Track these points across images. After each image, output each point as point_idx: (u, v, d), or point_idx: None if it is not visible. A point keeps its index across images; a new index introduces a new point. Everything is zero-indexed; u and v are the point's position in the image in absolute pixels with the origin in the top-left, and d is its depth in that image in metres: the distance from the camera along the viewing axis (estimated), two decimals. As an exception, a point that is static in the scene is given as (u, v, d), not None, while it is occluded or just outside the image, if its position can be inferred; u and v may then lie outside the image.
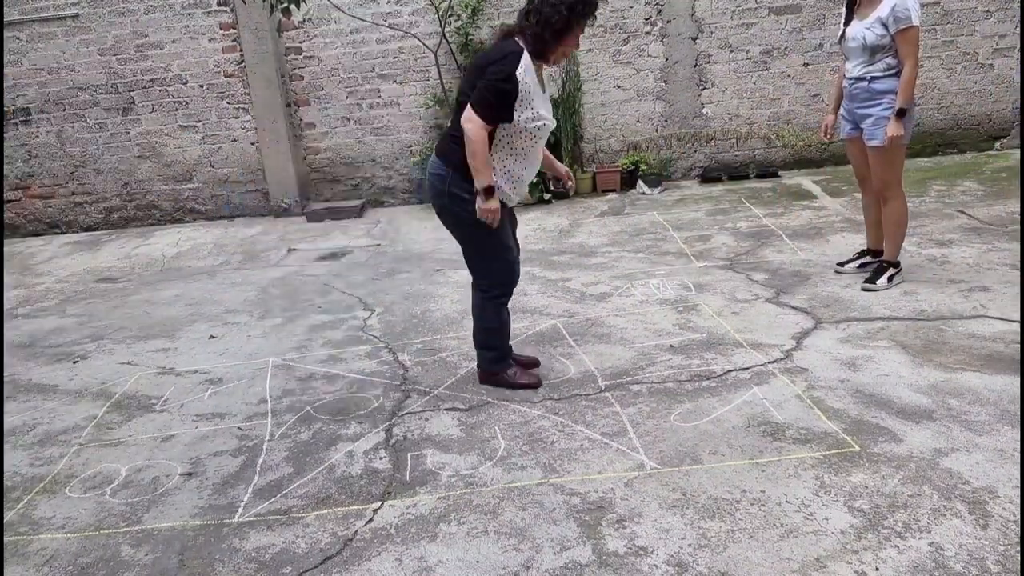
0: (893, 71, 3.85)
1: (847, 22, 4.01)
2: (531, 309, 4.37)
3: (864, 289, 4.10)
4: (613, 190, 7.22)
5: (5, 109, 7.49)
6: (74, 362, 4.27)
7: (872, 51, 3.85)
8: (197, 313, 4.95)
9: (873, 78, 3.90)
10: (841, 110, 4.20)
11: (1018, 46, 7.01)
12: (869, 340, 3.53)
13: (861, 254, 4.46)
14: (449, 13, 6.88)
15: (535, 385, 3.34)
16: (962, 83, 7.12)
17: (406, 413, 3.26)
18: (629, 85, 7.28)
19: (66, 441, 3.33)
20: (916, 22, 3.73)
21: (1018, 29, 6.96)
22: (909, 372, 3.18)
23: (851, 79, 4.02)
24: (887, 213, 4.11)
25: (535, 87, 2.96)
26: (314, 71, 7.37)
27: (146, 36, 7.29)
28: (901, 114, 3.83)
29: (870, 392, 3.05)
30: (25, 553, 2.54)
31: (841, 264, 4.47)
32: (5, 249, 7.33)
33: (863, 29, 3.86)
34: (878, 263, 4.21)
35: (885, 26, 3.77)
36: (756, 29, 7.07)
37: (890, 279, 4.12)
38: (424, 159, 6.94)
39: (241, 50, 7.24)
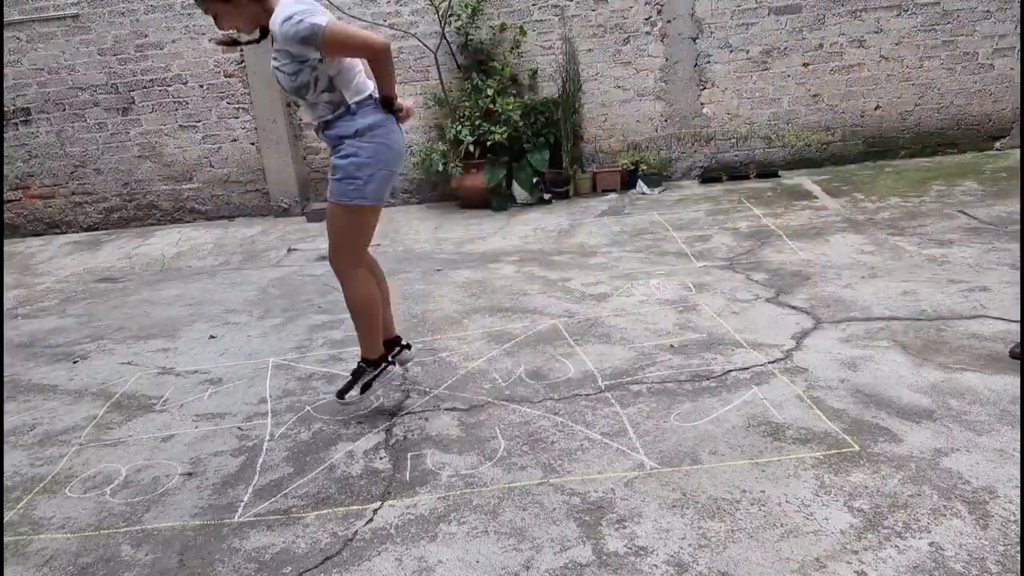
0: (340, 108, 2.91)
1: None
2: (531, 309, 4.37)
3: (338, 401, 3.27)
4: (613, 190, 7.22)
5: (5, 109, 7.49)
6: (74, 362, 4.27)
7: (297, 92, 2.90)
8: (197, 313, 4.95)
9: (327, 122, 2.94)
10: None
11: (1018, 46, 7.01)
12: (869, 340, 3.53)
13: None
14: (449, 13, 6.88)
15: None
16: (962, 83, 7.12)
17: (406, 413, 3.26)
18: (629, 85, 7.28)
19: (66, 441, 3.33)
20: (323, 22, 2.72)
21: (1018, 29, 6.97)
22: (909, 372, 3.18)
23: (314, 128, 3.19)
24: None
25: None
26: (314, 71, 7.36)
27: (146, 36, 7.29)
28: (387, 100, 2.99)
29: (870, 392, 3.05)
30: (25, 553, 2.54)
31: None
32: (5, 249, 7.33)
33: (273, 69, 2.95)
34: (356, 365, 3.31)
35: (296, 61, 2.81)
36: (756, 29, 7.07)
37: (364, 388, 3.21)
38: (424, 159, 6.94)
39: (241, 50, 7.24)
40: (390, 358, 3.26)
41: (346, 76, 2.82)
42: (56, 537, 2.62)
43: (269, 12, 2.74)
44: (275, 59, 2.81)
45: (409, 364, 3.75)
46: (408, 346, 3.42)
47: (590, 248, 5.55)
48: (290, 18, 2.66)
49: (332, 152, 2.97)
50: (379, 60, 2.77)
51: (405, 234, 6.49)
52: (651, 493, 2.52)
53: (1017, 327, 3.48)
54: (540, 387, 3.38)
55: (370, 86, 2.92)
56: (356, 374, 3.22)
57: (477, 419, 3.14)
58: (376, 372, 3.20)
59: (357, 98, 2.86)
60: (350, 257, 3.02)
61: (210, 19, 2.98)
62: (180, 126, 7.52)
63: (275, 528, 2.54)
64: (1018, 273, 4.12)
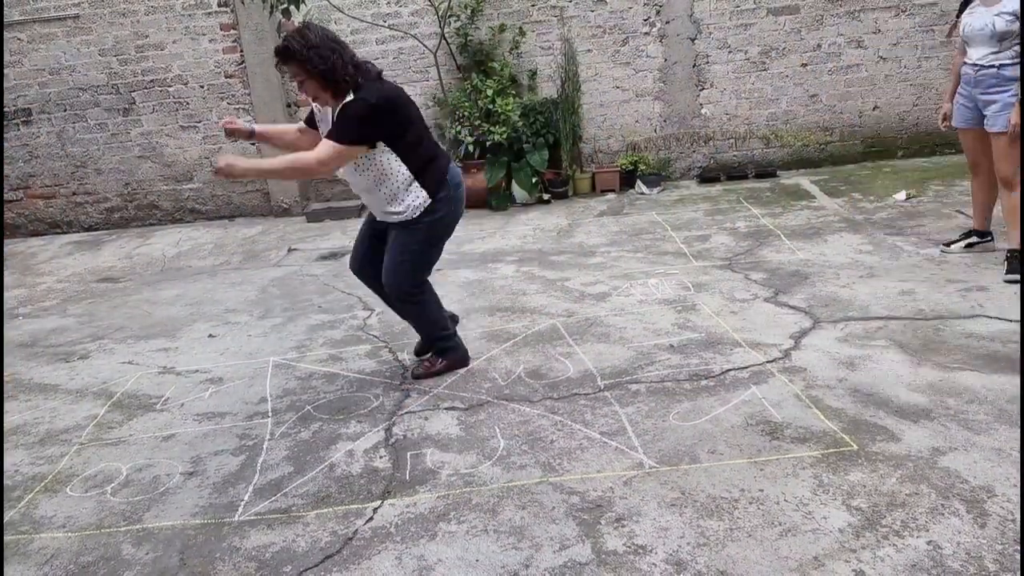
0: (1018, 59, 3.87)
1: (964, 8, 4.07)
2: (530, 309, 4.38)
3: (1008, 281, 4.01)
4: (612, 190, 7.23)
5: (6, 109, 7.50)
6: (66, 361, 4.28)
7: (1000, 38, 3.88)
8: (198, 313, 4.96)
9: (1002, 65, 3.92)
10: (959, 98, 4.24)
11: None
12: (867, 339, 3.54)
13: (967, 234, 4.53)
14: (448, 14, 6.89)
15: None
16: (961, 83, 7.13)
17: (406, 412, 3.27)
18: (628, 85, 7.29)
19: (67, 440, 3.34)
20: None
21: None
22: (907, 371, 3.19)
23: (976, 66, 4.04)
24: (1012, 201, 4.08)
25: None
26: (314, 71, 7.36)
27: (147, 37, 7.29)
28: None
29: (868, 391, 3.06)
30: (26, 552, 2.55)
31: (947, 244, 4.56)
32: (6, 249, 7.33)
33: (991, 16, 3.89)
34: (1008, 253, 4.14)
35: (1015, 15, 3.80)
36: (754, 29, 7.08)
37: None
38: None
39: (241, 51, 7.25)
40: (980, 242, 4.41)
41: None
42: (57, 536, 2.63)
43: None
44: (997, 9, 3.89)
45: (409, 363, 3.76)
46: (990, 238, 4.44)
47: (589, 248, 5.56)
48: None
49: (988, 91, 3.99)
50: None
51: (405, 234, 6.49)
52: (650, 492, 2.53)
53: (1016, 327, 3.49)
54: (539, 386, 3.39)
55: None
56: (1014, 259, 4.03)
57: (477, 418, 3.15)
58: (981, 240, 4.45)
59: None
60: (1019, 169, 4.01)
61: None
62: (181, 126, 7.52)
63: (275, 527, 2.55)
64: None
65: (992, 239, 4.48)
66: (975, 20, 4.00)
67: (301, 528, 2.52)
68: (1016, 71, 3.89)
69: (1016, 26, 3.82)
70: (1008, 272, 4.07)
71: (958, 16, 4.16)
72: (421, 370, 3.60)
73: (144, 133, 7.54)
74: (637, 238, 5.68)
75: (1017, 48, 3.88)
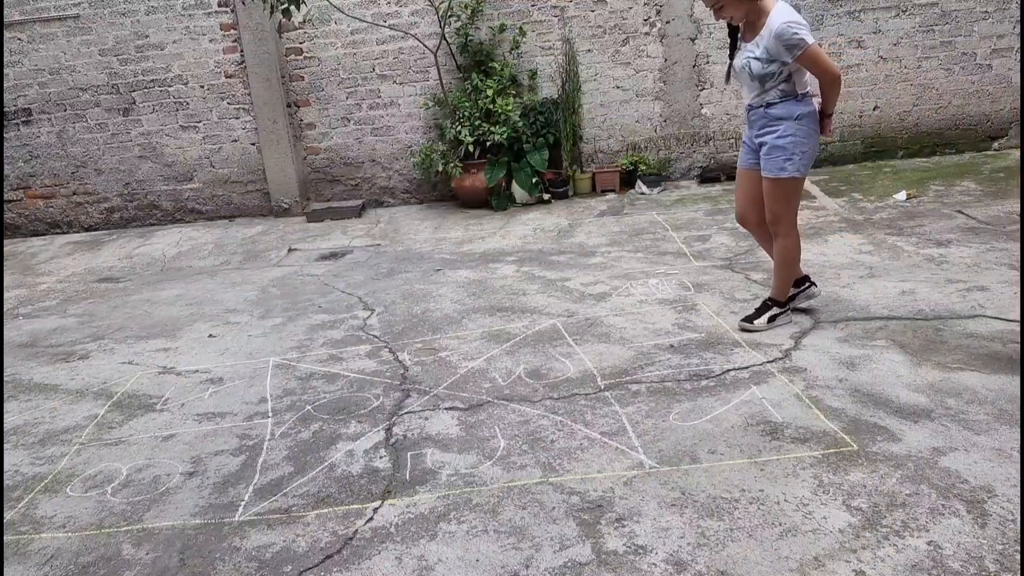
0: (790, 96, 3.49)
1: (733, 50, 3.67)
2: (530, 309, 4.39)
3: (742, 328, 3.78)
4: (612, 190, 7.23)
5: (6, 109, 7.50)
6: (67, 361, 4.28)
7: (761, 80, 3.50)
8: (198, 313, 4.96)
9: (769, 104, 3.55)
10: (744, 137, 3.83)
11: (1017, 46, 7.02)
12: (867, 340, 3.54)
13: (764, 306, 3.86)
14: (449, 14, 6.89)
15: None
16: (960, 83, 7.13)
17: (406, 412, 3.27)
18: (628, 85, 7.29)
19: (67, 440, 3.34)
20: (810, 41, 3.32)
21: (1016, 29, 6.98)
22: (907, 371, 3.19)
23: (748, 106, 3.68)
24: (777, 249, 3.74)
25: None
26: (314, 72, 7.38)
27: (147, 37, 7.30)
28: (825, 115, 3.55)
29: (868, 391, 3.06)
30: (26, 552, 2.55)
31: (746, 320, 3.86)
32: (6, 249, 7.33)
33: (747, 58, 3.51)
34: (762, 301, 3.88)
35: (772, 58, 3.41)
36: (755, 29, 7.08)
37: (771, 319, 3.78)
38: (424, 159, 6.95)
39: (241, 51, 7.25)
40: (799, 292, 3.94)
41: (801, 73, 3.49)
42: (57, 536, 2.63)
43: (761, 11, 3.44)
44: (751, 51, 3.50)
45: (409, 363, 3.76)
46: (813, 284, 3.99)
47: (589, 248, 5.56)
48: (790, 24, 3.33)
49: (760, 132, 3.63)
50: (833, 85, 3.48)
51: (405, 234, 6.50)
52: (650, 492, 2.53)
53: (1016, 327, 3.49)
54: (540, 386, 3.39)
55: (810, 84, 3.55)
56: (763, 308, 3.85)
57: (477, 418, 3.15)
58: (781, 312, 3.84)
59: (803, 91, 3.52)
60: (790, 219, 3.70)
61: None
62: (181, 126, 7.53)
63: (275, 527, 2.54)
64: (1017, 273, 4.13)
65: (809, 286, 3.95)
66: (737, 60, 3.61)
67: (301, 528, 2.52)
68: (785, 109, 3.50)
69: (773, 67, 3.42)
70: (743, 319, 3.81)
71: (729, 54, 3.71)
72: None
73: (144, 133, 7.55)
74: (637, 238, 5.68)
75: (783, 87, 3.48)
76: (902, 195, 5.96)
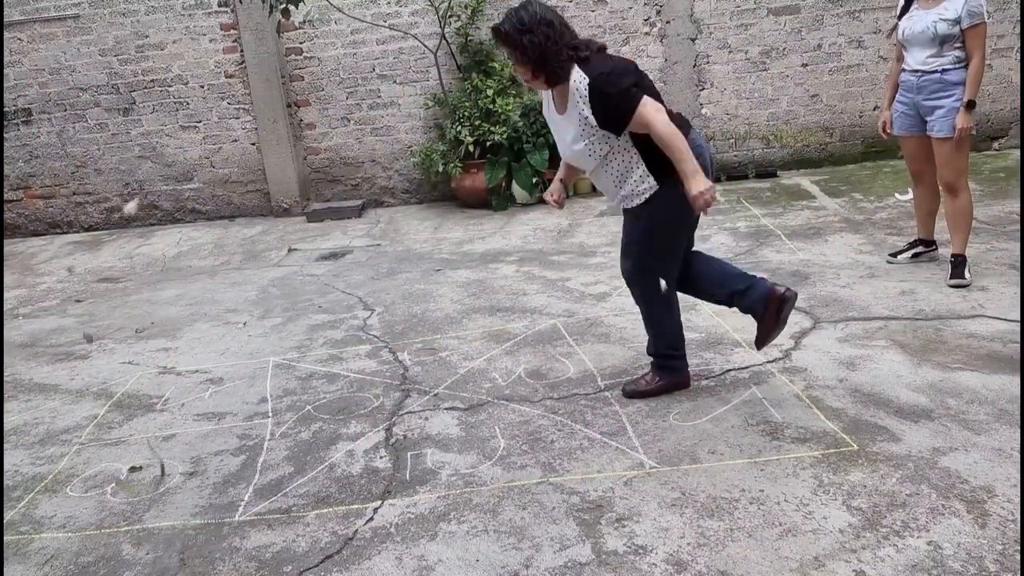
0: (962, 63, 3.85)
1: (904, 13, 4.02)
2: (531, 309, 4.38)
3: (953, 286, 4.01)
4: (613, 190, 7.22)
5: (6, 109, 7.50)
6: (67, 360, 4.27)
7: (941, 42, 3.84)
8: (198, 313, 4.96)
9: (944, 69, 3.88)
10: (898, 105, 4.18)
11: (1017, 46, 7.02)
12: (868, 340, 3.54)
13: (914, 244, 4.46)
14: (449, 14, 6.89)
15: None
16: (961, 83, 7.12)
17: (406, 412, 3.27)
18: (629, 85, 7.27)
19: (67, 440, 3.34)
20: (987, 19, 3.80)
21: (1016, 29, 6.97)
22: (907, 371, 3.19)
23: (918, 72, 3.99)
24: (957, 206, 4.07)
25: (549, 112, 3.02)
26: (314, 72, 7.37)
27: (147, 37, 7.29)
28: (971, 106, 3.84)
29: (868, 391, 3.06)
30: (26, 552, 2.55)
31: (893, 255, 4.49)
32: (6, 249, 7.33)
33: (931, 20, 3.85)
34: (953, 258, 4.12)
35: (957, 20, 3.79)
36: (755, 30, 7.08)
37: (968, 271, 4.09)
38: (424, 159, 6.95)
39: (242, 51, 7.25)
40: (927, 251, 4.39)
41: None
42: (57, 536, 2.63)
43: None
44: (940, 12, 3.83)
45: (409, 363, 3.77)
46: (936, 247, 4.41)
47: (590, 248, 5.56)
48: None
49: (932, 96, 3.93)
50: (982, 69, 3.86)
51: (405, 234, 6.50)
52: (650, 492, 2.53)
53: (1016, 327, 3.49)
54: (540, 386, 3.39)
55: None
56: (959, 263, 4.07)
57: (477, 418, 3.15)
58: (927, 251, 4.35)
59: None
60: (966, 176, 4.03)
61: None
62: (181, 126, 7.52)
63: (275, 527, 2.54)
64: (1017, 273, 4.12)
65: (936, 248, 4.42)
66: (915, 24, 3.94)
67: (301, 528, 2.52)
68: (960, 75, 3.86)
69: (956, 30, 3.80)
70: (952, 277, 4.05)
71: (898, 19, 4.08)
72: (633, 387, 3.21)
73: (144, 133, 7.54)
74: (637, 238, 5.67)
75: (958, 52, 3.85)
76: (908, 194, 5.93)
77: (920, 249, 4.44)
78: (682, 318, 4.01)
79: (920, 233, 4.47)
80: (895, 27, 4.09)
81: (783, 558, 2.15)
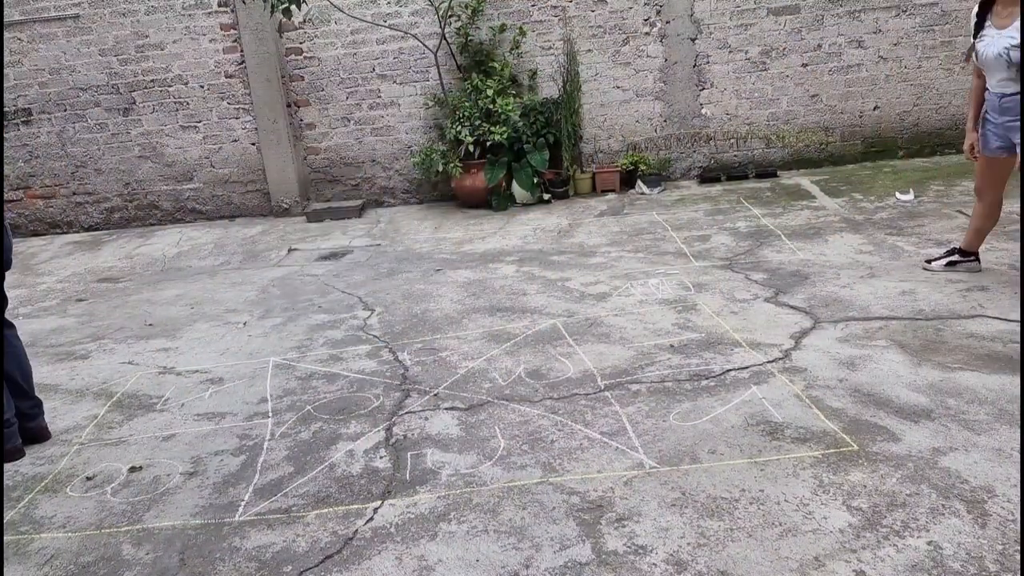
0: None
1: (978, 31, 3.80)
2: (531, 309, 4.38)
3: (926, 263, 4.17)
4: (612, 190, 7.22)
5: (6, 109, 7.49)
6: (67, 360, 4.28)
7: (1019, 67, 3.63)
8: (198, 313, 4.96)
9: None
10: (988, 125, 3.91)
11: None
12: (868, 340, 3.54)
13: (951, 251, 4.33)
14: (449, 14, 6.89)
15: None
16: (961, 83, 7.12)
17: (406, 412, 3.27)
18: (628, 85, 7.28)
19: (67, 440, 3.34)
20: None
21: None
22: (907, 371, 3.19)
23: (1000, 94, 3.79)
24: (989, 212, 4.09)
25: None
26: (314, 72, 7.37)
27: (147, 37, 7.29)
28: None
29: (868, 391, 3.06)
30: (26, 552, 2.55)
31: (929, 261, 4.38)
32: (5, 249, 7.32)
33: (1003, 47, 3.66)
34: (959, 252, 4.24)
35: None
36: (755, 30, 7.08)
37: (952, 264, 4.21)
38: (424, 159, 6.94)
39: (242, 51, 7.25)
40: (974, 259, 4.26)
41: None
42: (57, 536, 2.63)
43: None
44: (1011, 36, 3.54)
45: (409, 363, 3.76)
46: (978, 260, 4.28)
47: (590, 248, 5.56)
48: None
49: (1015, 119, 3.71)
50: None
51: (405, 234, 6.50)
52: (650, 492, 2.53)
53: (1016, 326, 3.49)
54: (540, 386, 3.39)
55: None
56: (951, 252, 4.25)
57: (477, 418, 3.15)
58: (964, 260, 4.25)
59: None
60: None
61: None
62: (181, 126, 7.52)
63: (275, 527, 2.54)
64: (1017, 273, 4.12)
65: (977, 260, 4.23)
66: (988, 48, 3.74)
67: (301, 528, 2.52)
68: None
69: None
70: (936, 259, 4.28)
71: (973, 38, 3.85)
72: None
73: (144, 133, 7.54)
74: (637, 238, 5.68)
75: None
76: (909, 195, 5.92)
77: (957, 258, 4.27)
78: (671, 317, 4.03)
79: (963, 244, 4.27)
80: (972, 47, 3.86)
81: (783, 558, 2.15)
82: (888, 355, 3.36)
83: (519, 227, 6.32)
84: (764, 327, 3.80)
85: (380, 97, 7.40)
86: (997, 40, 3.71)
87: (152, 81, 7.41)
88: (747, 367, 3.38)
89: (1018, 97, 3.68)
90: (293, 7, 6.04)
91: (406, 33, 7.10)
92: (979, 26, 3.82)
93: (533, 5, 7.12)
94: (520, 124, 6.80)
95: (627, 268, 4.99)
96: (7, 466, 3.15)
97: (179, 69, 7.36)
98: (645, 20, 7.12)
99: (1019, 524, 2.20)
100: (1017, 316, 3.59)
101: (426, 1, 6.96)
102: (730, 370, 3.37)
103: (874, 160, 7.29)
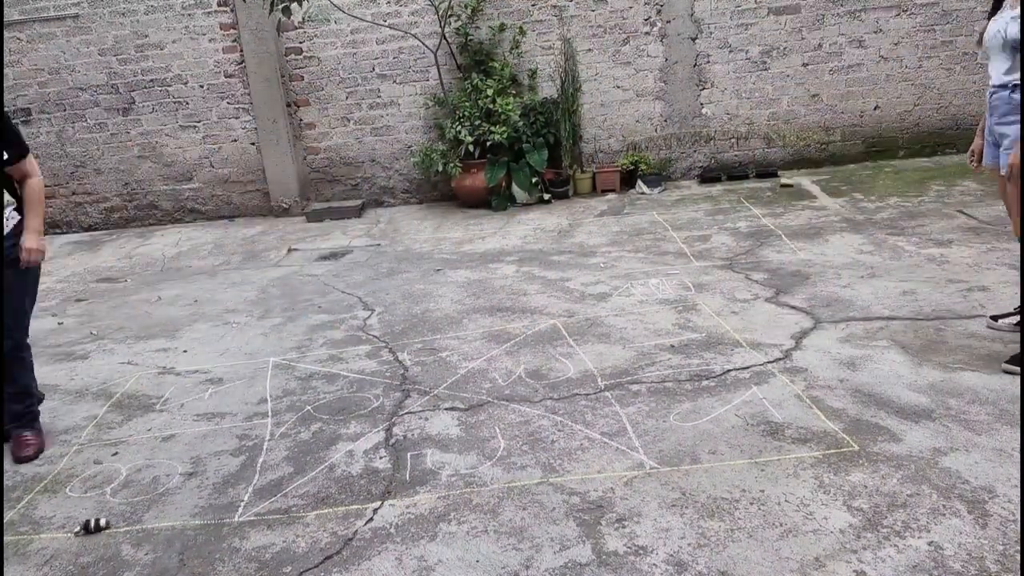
0: None
1: (994, 12, 3.20)
2: (531, 309, 4.38)
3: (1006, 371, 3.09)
4: (613, 190, 7.22)
5: (6, 109, 7.48)
6: (67, 360, 4.27)
7: (1013, 50, 2.99)
8: (197, 313, 4.95)
9: (1015, 86, 3.01)
10: (985, 129, 3.35)
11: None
12: (868, 340, 3.53)
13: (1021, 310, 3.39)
14: (449, 13, 6.89)
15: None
16: (961, 83, 7.12)
17: (406, 413, 3.26)
18: (629, 85, 7.28)
19: (67, 441, 3.33)
20: None
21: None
22: (908, 372, 3.19)
23: (992, 87, 3.19)
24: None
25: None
26: (314, 71, 7.37)
27: (146, 36, 7.29)
28: None
29: (869, 392, 3.05)
30: (26, 552, 2.55)
31: (995, 318, 3.49)
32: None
33: (1007, 20, 3.02)
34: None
35: None
36: (755, 29, 7.07)
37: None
38: (424, 159, 6.94)
39: (241, 50, 7.25)
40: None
41: None
42: (57, 536, 2.63)
43: None
44: (1013, 12, 2.97)
45: (409, 364, 3.76)
46: None
47: (590, 248, 5.55)
48: None
49: (1002, 120, 3.10)
50: None
51: (405, 234, 6.50)
52: (650, 492, 2.52)
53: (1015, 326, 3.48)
54: (540, 387, 3.39)
55: None
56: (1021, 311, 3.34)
57: (477, 419, 3.15)
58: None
59: None
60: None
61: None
62: (180, 126, 7.52)
63: (275, 527, 2.54)
64: (1017, 273, 4.12)
65: None
66: (992, 24, 3.16)
67: (301, 529, 2.52)
68: None
69: None
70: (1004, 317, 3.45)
71: (989, 18, 3.24)
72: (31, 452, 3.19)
73: (144, 133, 7.54)
74: (638, 238, 5.67)
75: None
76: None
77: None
78: (672, 317, 4.02)
79: None
80: (984, 29, 3.23)
81: (783, 558, 2.15)
82: (889, 355, 3.36)
83: (519, 227, 6.32)
84: (765, 327, 3.80)
85: (380, 97, 7.40)
86: (999, 19, 3.16)
87: (151, 81, 7.40)
88: (747, 367, 3.38)
89: (1004, 93, 3.09)
90: (293, 6, 6.03)
91: (406, 33, 7.09)
92: (995, 8, 3.25)
93: (533, 5, 7.11)
94: (520, 124, 6.80)
95: (627, 268, 4.98)
96: (7, 466, 3.14)
97: (178, 69, 7.36)
98: (645, 19, 7.12)
99: (1020, 524, 2.19)
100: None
101: (426, 1, 6.96)
102: (730, 370, 3.37)
103: (875, 160, 7.29)
